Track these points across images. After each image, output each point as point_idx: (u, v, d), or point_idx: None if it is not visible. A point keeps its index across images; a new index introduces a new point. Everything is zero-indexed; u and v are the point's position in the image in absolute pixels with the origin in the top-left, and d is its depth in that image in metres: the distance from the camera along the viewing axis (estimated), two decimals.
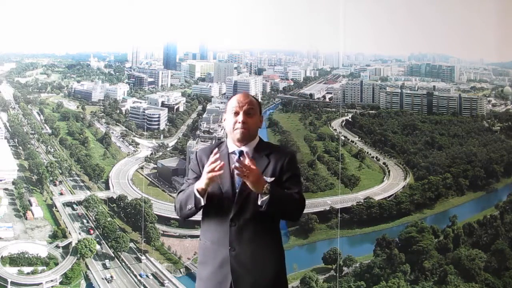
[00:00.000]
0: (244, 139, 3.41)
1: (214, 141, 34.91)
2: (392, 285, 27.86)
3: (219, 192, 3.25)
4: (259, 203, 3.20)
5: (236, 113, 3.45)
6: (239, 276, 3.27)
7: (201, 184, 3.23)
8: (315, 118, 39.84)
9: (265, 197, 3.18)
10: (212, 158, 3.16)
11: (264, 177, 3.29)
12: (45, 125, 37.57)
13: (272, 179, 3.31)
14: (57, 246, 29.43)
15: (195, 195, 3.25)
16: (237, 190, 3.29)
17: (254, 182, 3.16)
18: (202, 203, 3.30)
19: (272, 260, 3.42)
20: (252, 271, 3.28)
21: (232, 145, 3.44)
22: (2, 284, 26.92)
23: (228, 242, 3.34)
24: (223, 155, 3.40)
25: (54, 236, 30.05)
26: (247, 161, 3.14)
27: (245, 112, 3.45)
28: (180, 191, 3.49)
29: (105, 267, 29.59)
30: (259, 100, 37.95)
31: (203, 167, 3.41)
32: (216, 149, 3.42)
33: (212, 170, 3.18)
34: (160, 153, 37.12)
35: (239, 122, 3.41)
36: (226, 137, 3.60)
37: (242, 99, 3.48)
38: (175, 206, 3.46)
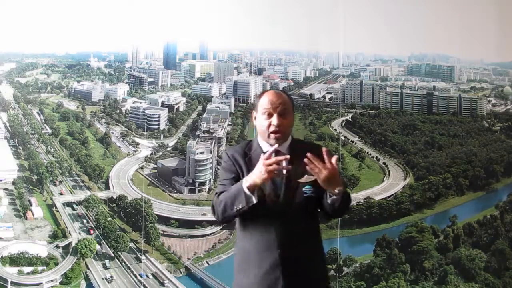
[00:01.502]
0: (279, 141, 3.20)
1: (214, 141, 34.95)
2: (392, 285, 27.88)
3: (261, 195, 3.12)
4: (328, 201, 3.08)
5: (269, 115, 3.26)
6: (290, 278, 3.18)
7: (253, 179, 3.02)
8: (315, 118, 39.81)
9: (336, 196, 3.05)
10: (266, 155, 3.01)
11: (307, 175, 3.16)
12: (45, 125, 37.53)
13: (313, 177, 3.16)
14: (57, 246, 29.45)
15: (245, 193, 3.06)
16: (279, 192, 3.17)
17: (331, 179, 3.04)
18: (254, 201, 3.09)
19: (320, 259, 3.30)
20: (303, 271, 3.16)
21: (266, 145, 3.28)
22: (2, 284, 26.94)
23: (277, 245, 3.21)
24: (258, 155, 3.23)
25: (54, 236, 30.07)
26: (325, 158, 3.02)
27: (279, 114, 3.19)
28: (220, 193, 3.26)
29: (105, 267, 29.61)
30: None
31: (239, 166, 3.25)
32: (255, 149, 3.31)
33: (270, 165, 3.00)
34: (160, 153, 36.92)
35: (273, 125, 3.24)
36: (256, 136, 3.42)
37: (275, 99, 3.20)
38: (214, 208, 3.18)
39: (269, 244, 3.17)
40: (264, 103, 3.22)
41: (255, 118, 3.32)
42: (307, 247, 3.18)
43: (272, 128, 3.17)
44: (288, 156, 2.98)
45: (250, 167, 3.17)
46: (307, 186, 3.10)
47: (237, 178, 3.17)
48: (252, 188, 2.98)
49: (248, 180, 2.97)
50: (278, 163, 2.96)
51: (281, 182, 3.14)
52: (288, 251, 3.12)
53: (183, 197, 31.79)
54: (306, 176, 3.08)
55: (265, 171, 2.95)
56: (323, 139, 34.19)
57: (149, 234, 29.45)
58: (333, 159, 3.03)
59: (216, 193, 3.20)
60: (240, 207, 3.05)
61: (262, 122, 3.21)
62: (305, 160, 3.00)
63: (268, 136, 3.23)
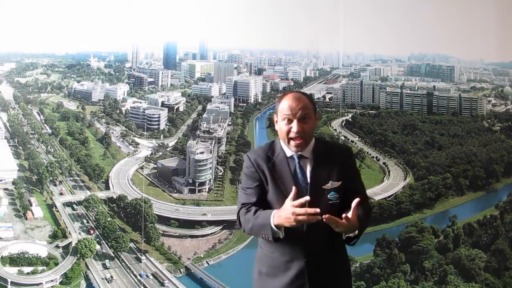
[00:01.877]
0: (302, 148, 3.12)
1: (214, 141, 34.95)
2: (392, 285, 27.84)
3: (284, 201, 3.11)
4: (343, 237, 3.14)
5: (289, 121, 3.20)
6: (316, 286, 3.20)
7: (282, 222, 3.02)
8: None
9: (353, 235, 3.06)
10: (296, 203, 2.99)
11: (325, 186, 3.15)
12: (45, 125, 37.50)
13: (339, 183, 3.14)
14: (57, 246, 29.40)
15: (272, 228, 3.08)
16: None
17: (348, 229, 3.13)
18: (281, 236, 3.13)
19: (345, 265, 3.28)
20: (328, 279, 3.14)
21: (288, 149, 3.23)
22: (2, 284, 26.90)
23: (304, 254, 3.19)
24: (281, 160, 3.20)
25: (54, 236, 30.02)
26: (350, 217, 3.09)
27: (299, 119, 3.09)
28: (245, 207, 3.22)
29: (105, 267, 29.58)
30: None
31: (262, 173, 3.19)
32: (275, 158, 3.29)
33: (300, 214, 3.01)
34: (160, 153, 36.97)
35: (293, 132, 3.20)
36: (279, 138, 3.35)
37: (295, 104, 3.09)
38: (240, 222, 3.22)
39: (296, 252, 3.15)
40: (283, 108, 3.12)
41: (276, 122, 3.27)
42: (333, 255, 3.15)
43: (292, 135, 3.11)
44: (318, 210, 2.96)
45: (273, 173, 3.12)
46: (332, 193, 3.03)
47: (261, 185, 3.13)
48: (279, 226, 3.00)
49: (277, 220, 2.96)
50: (307, 214, 2.96)
51: (306, 187, 3.11)
52: (314, 259, 3.11)
53: (183, 197, 31.79)
54: (331, 182, 3.04)
55: (294, 220, 2.96)
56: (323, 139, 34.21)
57: (149, 234, 29.44)
58: (351, 214, 3.06)
59: (241, 204, 3.16)
60: (267, 237, 3.09)
61: (283, 128, 3.12)
62: (324, 219, 3.02)
63: (289, 142, 3.17)
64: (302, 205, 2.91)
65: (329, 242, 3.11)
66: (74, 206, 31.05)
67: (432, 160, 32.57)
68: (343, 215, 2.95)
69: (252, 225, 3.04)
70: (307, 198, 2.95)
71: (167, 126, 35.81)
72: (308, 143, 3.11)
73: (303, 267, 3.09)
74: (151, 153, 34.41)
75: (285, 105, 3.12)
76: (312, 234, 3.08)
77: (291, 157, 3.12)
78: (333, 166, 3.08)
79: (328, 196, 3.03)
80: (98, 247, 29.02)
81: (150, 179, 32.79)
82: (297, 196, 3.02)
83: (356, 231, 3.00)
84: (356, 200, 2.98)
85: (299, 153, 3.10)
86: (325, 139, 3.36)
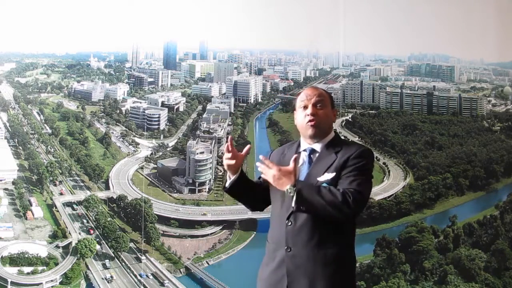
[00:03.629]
0: (316, 134, 3.17)
1: (214, 141, 34.95)
2: (392, 285, 27.87)
3: (281, 190, 3.12)
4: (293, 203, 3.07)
5: (305, 107, 3.25)
6: (294, 278, 3.08)
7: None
8: None
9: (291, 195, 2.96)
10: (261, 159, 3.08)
11: (319, 178, 3.11)
12: (45, 125, 37.49)
13: (332, 175, 3.14)
14: (57, 246, 29.43)
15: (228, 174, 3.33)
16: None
17: (273, 183, 3.06)
18: (228, 181, 3.33)
19: (334, 264, 3.07)
20: (308, 274, 3.03)
21: (304, 143, 3.29)
22: (2, 284, 26.92)
23: (285, 242, 3.18)
24: (292, 153, 3.28)
25: (54, 236, 30.05)
26: (266, 161, 3.05)
27: (314, 104, 3.20)
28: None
29: (105, 267, 29.59)
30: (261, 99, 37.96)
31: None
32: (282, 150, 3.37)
33: (228, 158, 3.19)
34: (160, 153, 36.83)
35: (308, 115, 3.20)
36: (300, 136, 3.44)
37: (310, 92, 3.25)
38: None
39: (280, 240, 3.17)
40: (301, 97, 3.29)
41: (295, 118, 3.38)
42: (318, 248, 3.05)
43: (307, 118, 3.19)
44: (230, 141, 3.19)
45: (279, 164, 3.19)
46: (324, 184, 3.05)
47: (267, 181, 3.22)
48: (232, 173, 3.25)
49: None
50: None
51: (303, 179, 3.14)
52: (293, 249, 3.06)
53: (183, 197, 31.79)
54: (326, 173, 3.08)
55: (224, 162, 3.21)
56: None
57: (149, 234, 29.45)
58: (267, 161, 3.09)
59: None
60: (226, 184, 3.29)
61: (299, 116, 3.26)
62: (257, 163, 3.08)
63: (304, 127, 3.26)
64: (266, 162, 3.04)
65: (315, 233, 3.05)
66: (74, 206, 31.05)
67: (432, 160, 32.56)
68: (260, 156, 3.06)
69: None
70: (248, 146, 3.24)
71: (167, 126, 35.81)
72: (324, 132, 3.18)
73: (283, 256, 3.09)
74: (151, 153, 34.41)
75: (302, 95, 3.30)
76: (296, 221, 3.06)
77: (304, 150, 3.20)
78: (335, 161, 3.10)
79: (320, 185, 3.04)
80: (98, 247, 29.02)
81: (150, 179, 32.80)
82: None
83: (289, 188, 2.92)
84: (294, 156, 3.06)
85: (311, 147, 3.17)
86: (346, 139, 3.36)
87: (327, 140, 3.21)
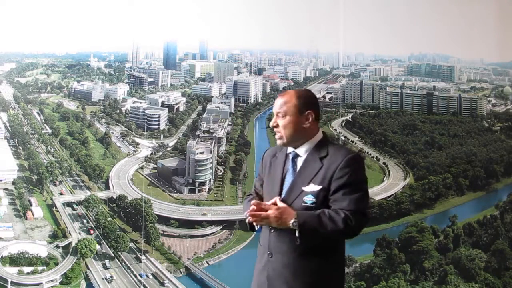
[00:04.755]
0: (283, 144, 3.13)
1: (214, 141, 34.94)
2: (392, 285, 27.87)
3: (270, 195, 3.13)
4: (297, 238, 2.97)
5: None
6: (273, 283, 3.06)
7: None
8: None
9: (297, 231, 2.89)
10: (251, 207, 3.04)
11: (305, 188, 3.05)
12: (45, 125, 37.47)
13: (318, 188, 3.04)
14: (57, 246, 29.42)
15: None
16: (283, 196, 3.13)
17: (274, 224, 3.03)
18: (255, 228, 3.21)
19: (314, 275, 3.02)
20: (287, 281, 3.00)
21: (290, 147, 3.27)
22: (2, 284, 26.92)
23: (267, 248, 3.17)
24: (281, 156, 3.25)
25: (54, 236, 30.05)
26: (253, 209, 3.01)
27: (277, 114, 3.15)
28: (249, 194, 3.37)
29: (105, 267, 29.59)
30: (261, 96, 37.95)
31: (265, 168, 3.30)
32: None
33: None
34: (160, 153, 36.73)
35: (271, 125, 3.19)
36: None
37: (277, 100, 3.18)
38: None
39: (265, 245, 3.17)
40: None
41: None
42: (299, 257, 3.00)
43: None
44: (249, 212, 2.98)
45: (270, 168, 3.20)
46: (310, 196, 2.98)
47: (263, 179, 3.25)
48: None
49: None
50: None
51: (289, 185, 3.06)
52: (274, 255, 3.04)
53: (183, 197, 31.79)
54: (312, 184, 2.98)
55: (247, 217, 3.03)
56: None
57: (149, 234, 29.45)
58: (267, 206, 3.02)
59: (248, 193, 3.36)
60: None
61: None
62: (246, 213, 3.03)
63: None
64: (260, 206, 2.95)
65: (293, 242, 3.01)
66: (74, 206, 31.05)
67: (432, 160, 32.56)
68: (253, 202, 2.98)
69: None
70: (276, 199, 3.01)
71: (167, 126, 35.80)
72: (290, 139, 3.11)
73: (266, 262, 3.09)
74: (151, 153, 34.41)
75: None
76: (279, 229, 3.04)
77: (290, 153, 3.17)
78: (321, 169, 3.00)
79: (304, 198, 2.97)
80: (98, 247, 29.03)
81: (150, 179, 32.79)
82: (278, 191, 3.07)
83: (292, 223, 2.86)
84: (275, 199, 2.99)
85: (295, 151, 3.14)
86: (334, 141, 3.27)
87: (312, 144, 3.12)
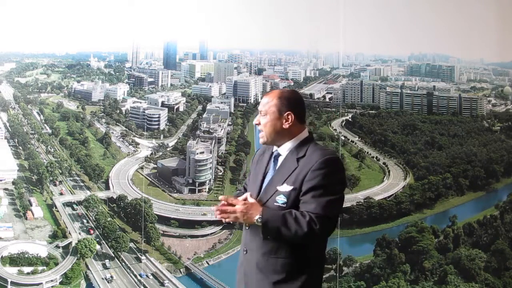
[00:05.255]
0: (264, 142, 3.18)
1: (214, 141, 34.95)
2: (392, 285, 27.87)
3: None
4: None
5: None
6: (249, 279, 3.10)
7: None
8: (315, 118, 39.78)
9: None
10: (222, 197, 3.09)
11: (279, 187, 3.01)
12: (45, 125, 37.48)
13: (289, 188, 3.00)
14: (57, 246, 29.44)
15: None
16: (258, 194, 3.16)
17: (241, 219, 3.07)
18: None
19: (282, 273, 3.01)
20: (261, 278, 3.03)
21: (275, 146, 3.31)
22: (2, 284, 26.95)
23: (243, 245, 3.20)
24: (266, 155, 3.28)
25: (54, 236, 30.06)
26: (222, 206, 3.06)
27: (260, 113, 3.22)
28: (238, 190, 3.41)
29: (105, 267, 29.60)
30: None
31: (254, 165, 3.35)
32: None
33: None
34: (160, 153, 36.62)
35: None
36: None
37: (262, 99, 3.26)
38: None
39: (242, 242, 3.25)
40: None
41: None
42: (272, 254, 3.01)
43: None
44: (218, 207, 3.07)
45: (255, 166, 3.28)
46: (282, 196, 3.00)
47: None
48: None
49: None
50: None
51: (267, 184, 3.14)
52: (249, 252, 3.10)
53: (183, 197, 31.79)
54: (285, 184, 3.00)
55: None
56: (323, 139, 34.20)
57: (149, 234, 29.46)
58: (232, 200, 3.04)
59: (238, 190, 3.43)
60: None
61: None
62: (214, 208, 3.09)
63: None
64: (229, 201, 3.03)
65: (268, 242, 2.98)
66: (74, 206, 31.06)
67: (432, 160, 32.56)
68: (220, 197, 3.06)
69: None
70: (247, 194, 3.10)
71: (167, 126, 35.81)
72: (270, 138, 3.15)
73: (242, 259, 3.15)
74: (151, 153, 34.42)
75: None
76: (253, 227, 3.07)
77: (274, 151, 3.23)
78: (296, 169, 3.02)
79: (276, 197, 3.01)
80: (98, 247, 29.03)
81: (150, 179, 32.80)
82: (257, 189, 3.14)
83: (257, 219, 2.91)
84: (245, 195, 3.05)
85: (277, 150, 3.17)
86: (315, 142, 3.18)
87: (294, 143, 3.13)
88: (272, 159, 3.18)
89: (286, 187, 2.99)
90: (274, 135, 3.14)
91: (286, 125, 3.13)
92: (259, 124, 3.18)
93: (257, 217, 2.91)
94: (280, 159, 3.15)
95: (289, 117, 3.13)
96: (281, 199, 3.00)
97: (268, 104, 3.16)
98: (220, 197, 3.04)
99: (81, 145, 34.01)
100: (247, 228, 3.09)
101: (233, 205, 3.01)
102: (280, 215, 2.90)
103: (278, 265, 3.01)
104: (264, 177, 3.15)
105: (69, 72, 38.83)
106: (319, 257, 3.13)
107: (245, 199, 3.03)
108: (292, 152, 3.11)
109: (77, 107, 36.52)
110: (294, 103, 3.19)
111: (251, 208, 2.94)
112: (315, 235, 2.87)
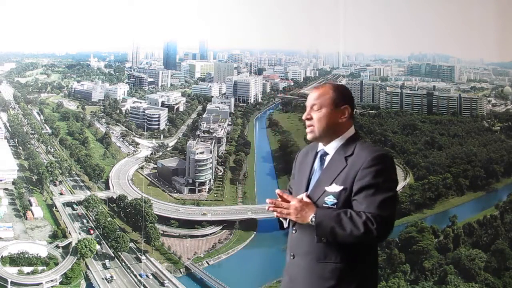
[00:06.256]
0: (313, 138, 3.02)
1: (214, 141, 34.94)
2: (392, 285, 27.86)
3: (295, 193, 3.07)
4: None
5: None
6: (295, 285, 2.95)
7: None
8: None
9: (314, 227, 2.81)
10: (279, 191, 2.97)
11: (327, 188, 2.87)
12: (45, 125, 37.46)
13: (339, 188, 2.86)
14: (57, 246, 29.42)
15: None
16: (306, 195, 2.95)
17: (293, 217, 2.87)
18: (284, 226, 3.13)
19: (332, 279, 2.85)
20: (306, 284, 2.90)
21: (320, 145, 3.18)
22: (2, 284, 26.92)
23: (289, 249, 3.01)
24: (311, 154, 3.16)
25: (54, 236, 30.04)
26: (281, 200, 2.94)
27: (311, 107, 3.03)
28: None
29: (105, 267, 29.59)
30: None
31: (296, 166, 3.24)
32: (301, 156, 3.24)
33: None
34: (160, 153, 36.69)
35: (303, 118, 3.06)
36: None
37: (311, 93, 3.06)
38: None
39: (288, 247, 3.11)
40: None
41: None
42: (319, 260, 2.88)
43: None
44: (272, 200, 2.91)
45: (300, 166, 3.12)
46: (331, 196, 2.86)
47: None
48: None
49: None
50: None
51: (314, 183, 2.99)
52: (296, 257, 2.96)
53: (183, 197, 31.79)
54: (334, 184, 2.87)
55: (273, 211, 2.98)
56: None
57: (149, 234, 29.45)
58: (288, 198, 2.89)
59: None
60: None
61: None
62: (267, 201, 2.95)
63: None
64: (284, 197, 2.87)
65: (316, 244, 2.85)
66: (74, 206, 31.05)
67: (432, 160, 32.55)
68: (277, 191, 2.89)
69: None
70: (303, 195, 2.92)
71: (167, 126, 35.81)
72: (321, 134, 2.99)
73: (287, 262, 3.05)
74: (151, 153, 34.41)
75: None
76: (300, 230, 2.98)
77: (320, 151, 3.08)
78: (345, 168, 2.88)
79: (325, 199, 2.87)
80: (98, 247, 29.02)
81: (150, 179, 32.80)
82: (304, 190, 2.97)
83: (311, 219, 2.79)
84: (301, 195, 2.90)
85: (324, 148, 3.03)
86: (364, 140, 3.00)
87: (341, 141, 2.99)
88: (318, 159, 3.04)
89: (335, 187, 2.85)
90: (326, 129, 2.99)
91: (342, 119, 2.99)
92: (310, 118, 3.01)
93: (311, 216, 2.79)
94: (327, 159, 3.00)
95: (346, 111, 3.00)
96: (330, 200, 2.86)
97: (323, 97, 3.00)
98: (277, 191, 2.88)
99: (81, 145, 34.00)
100: (294, 232, 2.96)
101: (288, 202, 2.88)
102: (334, 214, 2.77)
103: (327, 271, 2.87)
104: (310, 178, 3.01)
105: (69, 72, 38.84)
106: (371, 262, 2.95)
107: (301, 199, 2.89)
108: (339, 150, 2.97)
109: (77, 107, 36.52)
110: (349, 97, 3.06)
111: (306, 206, 2.82)
112: (372, 236, 2.71)
